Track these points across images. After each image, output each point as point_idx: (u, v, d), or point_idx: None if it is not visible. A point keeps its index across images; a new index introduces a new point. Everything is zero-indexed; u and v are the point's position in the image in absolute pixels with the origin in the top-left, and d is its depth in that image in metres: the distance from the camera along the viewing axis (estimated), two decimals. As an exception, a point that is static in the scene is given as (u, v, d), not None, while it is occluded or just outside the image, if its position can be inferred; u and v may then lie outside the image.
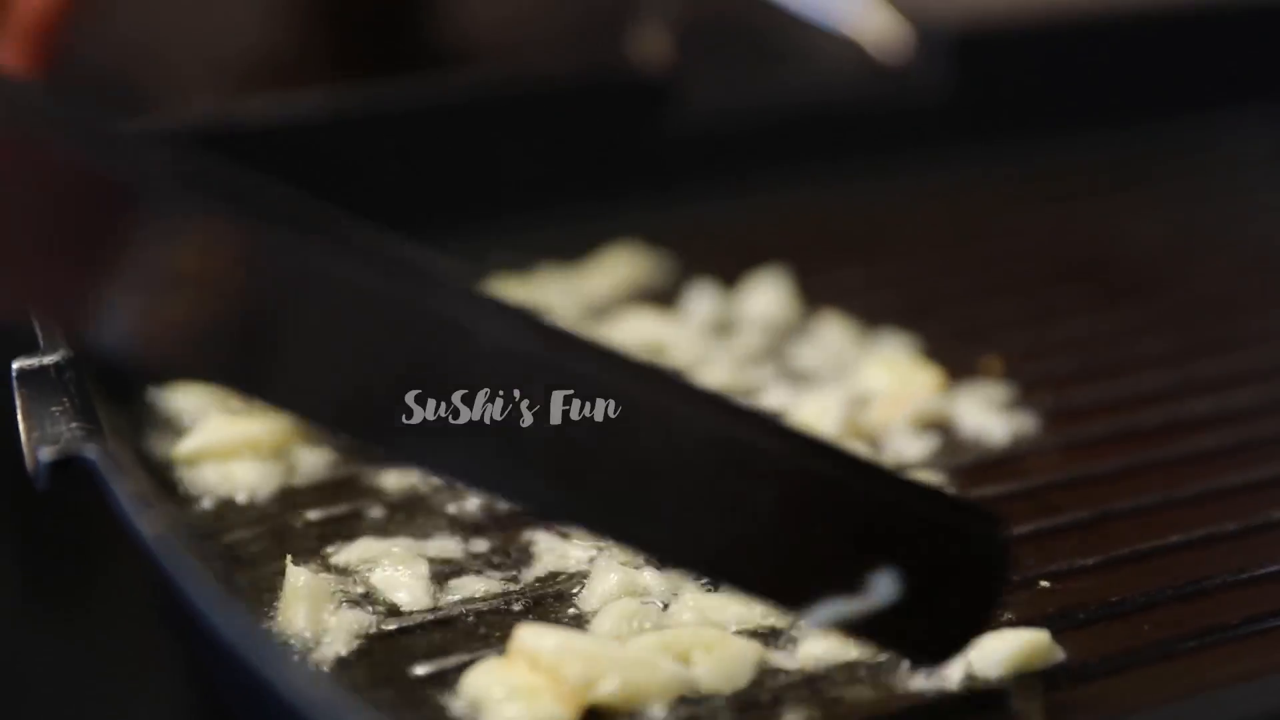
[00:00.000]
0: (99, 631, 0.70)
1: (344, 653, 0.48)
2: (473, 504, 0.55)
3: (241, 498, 0.56)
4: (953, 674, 0.47)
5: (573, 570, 0.52)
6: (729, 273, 0.70)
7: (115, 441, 0.48)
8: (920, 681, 0.47)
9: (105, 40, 1.25)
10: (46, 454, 0.46)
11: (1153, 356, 0.65)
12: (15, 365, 0.50)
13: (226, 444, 0.57)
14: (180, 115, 0.71)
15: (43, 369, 0.50)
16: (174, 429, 0.59)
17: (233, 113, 0.72)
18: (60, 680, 0.69)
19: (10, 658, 0.70)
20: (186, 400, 0.61)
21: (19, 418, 0.49)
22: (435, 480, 0.56)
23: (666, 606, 0.50)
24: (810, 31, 0.83)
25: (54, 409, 0.49)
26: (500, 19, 1.29)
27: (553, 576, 0.52)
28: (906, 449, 0.58)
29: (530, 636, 0.47)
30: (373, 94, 0.76)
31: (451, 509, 0.55)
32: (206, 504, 0.56)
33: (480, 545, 0.53)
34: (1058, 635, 0.48)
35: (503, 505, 0.55)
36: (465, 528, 0.54)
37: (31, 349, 0.52)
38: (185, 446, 0.57)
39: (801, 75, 0.84)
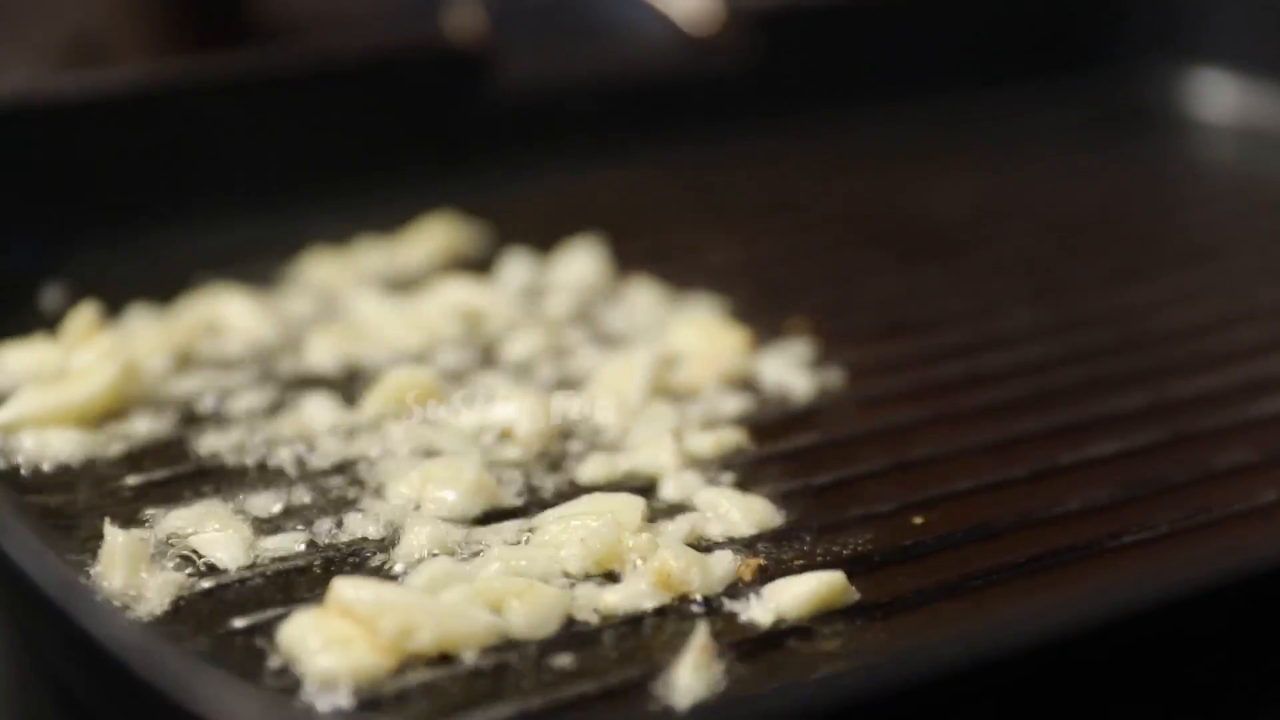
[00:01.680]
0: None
1: (162, 610, 0.49)
2: (288, 462, 0.56)
3: (59, 464, 0.56)
4: (760, 615, 0.49)
5: (386, 526, 0.53)
6: (543, 242, 0.71)
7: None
8: (730, 622, 0.49)
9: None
10: None
11: (952, 313, 0.67)
12: None
13: (42, 411, 0.58)
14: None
15: None
16: (-7, 398, 0.60)
17: (51, 87, 0.72)
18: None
19: None
20: (4, 368, 0.61)
21: None
22: (253, 441, 0.58)
23: (476, 556, 0.51)
24: (623, 3, 0.84)
25: None
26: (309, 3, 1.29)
27: (367, 533, 0.53)
28: (714, 407, 0.60)
29: (346, 589, 0.48)
30: (194, 68, 0.77)
31: (268, 469, 0.56)
32: (24, 470, 0.56)
33: (297, 503, 0.54)
34: (854, 578, 0.50)
35: (318, 462, 0.56)
36: (282, 487, 0.55)
37: None
38: (3, 416, 0.58)
39: (614, 48, 0.85)
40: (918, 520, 0.54)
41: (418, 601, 0.48)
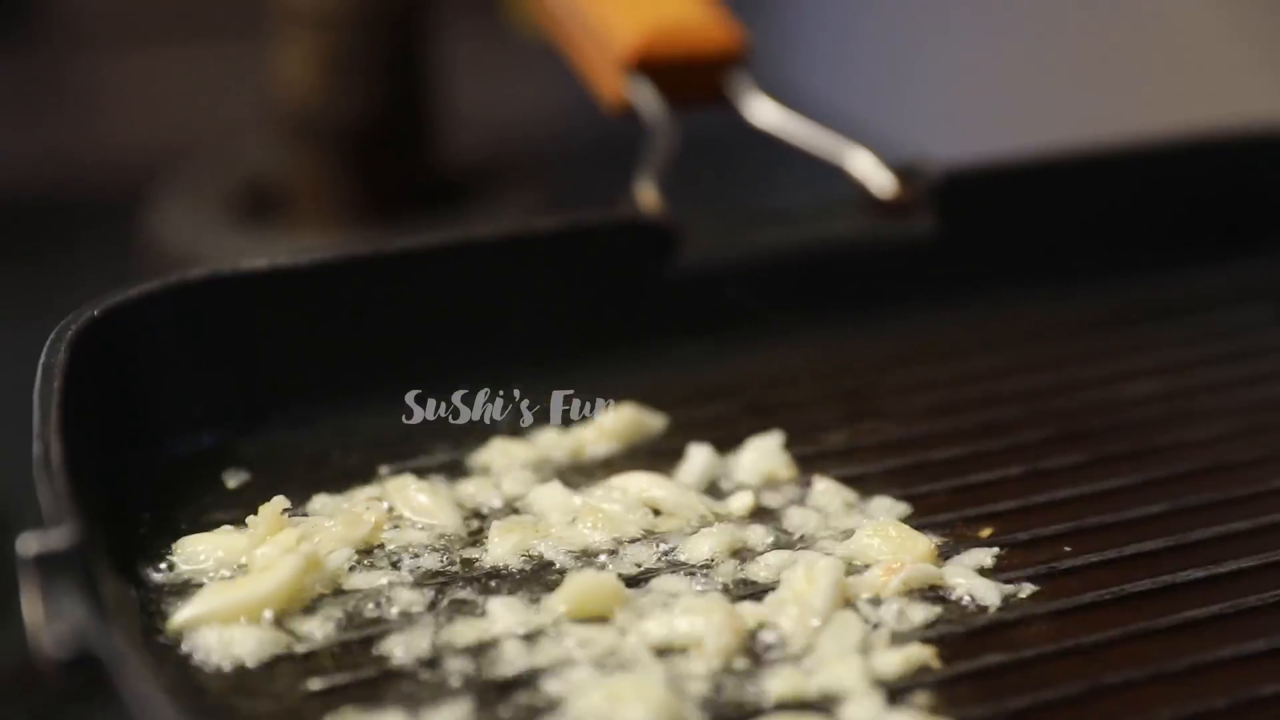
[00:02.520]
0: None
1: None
2: (470, 671, 0.56)
3: (239, 664, 0.56)
4: None
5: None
6: (723, 432, 0.71)
7: (121, 622, 0.49)
8: None
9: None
10: (58, 649, 0.47)
11: (1143, 522, 0.65)
12: (27, 550, 0.51)
13: (224, 607, 0.58)
14: (180, 274, 0.72)
15: (51, 552, 0.51)
16: (178, 592, 0.60)
17: (237, 266, 0.73)
18: None
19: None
20: (191, 562, 0.62)
21: (25, 602, 0.50)
22: (435, 643, 0.57)
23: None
24: (804, 172, 0.84)
25: (60, 592, 0.50)
26: (497, 155, 1.31)
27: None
28: (900, 619, 0.59)
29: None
30: (369, 245, 0.77)
31: (449, 676, 0.56)
32: (208, 672, 0.56)
33: (478, 713, 0.54)
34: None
35: (499, 672, 0.56)
36: (462, 699, 0.55)
37: (37, 524, 0.52)
38: (187, 613, 0.58)
39: (794, 220, 0.85)
40: (1115, 756, 0.52)
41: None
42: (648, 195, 0.79)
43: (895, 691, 0.55)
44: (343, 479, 0.68)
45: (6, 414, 0.68)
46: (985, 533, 0.64)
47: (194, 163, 1.32)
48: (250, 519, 0.64)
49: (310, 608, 0.60)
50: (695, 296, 0.79)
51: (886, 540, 0.63)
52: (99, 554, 0.53)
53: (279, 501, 0.64)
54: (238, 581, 0.59)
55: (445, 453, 0.70)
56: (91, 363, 0.65)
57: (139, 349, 0.69)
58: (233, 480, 0.68)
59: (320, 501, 0.67)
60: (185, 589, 0.60)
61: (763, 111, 0.84)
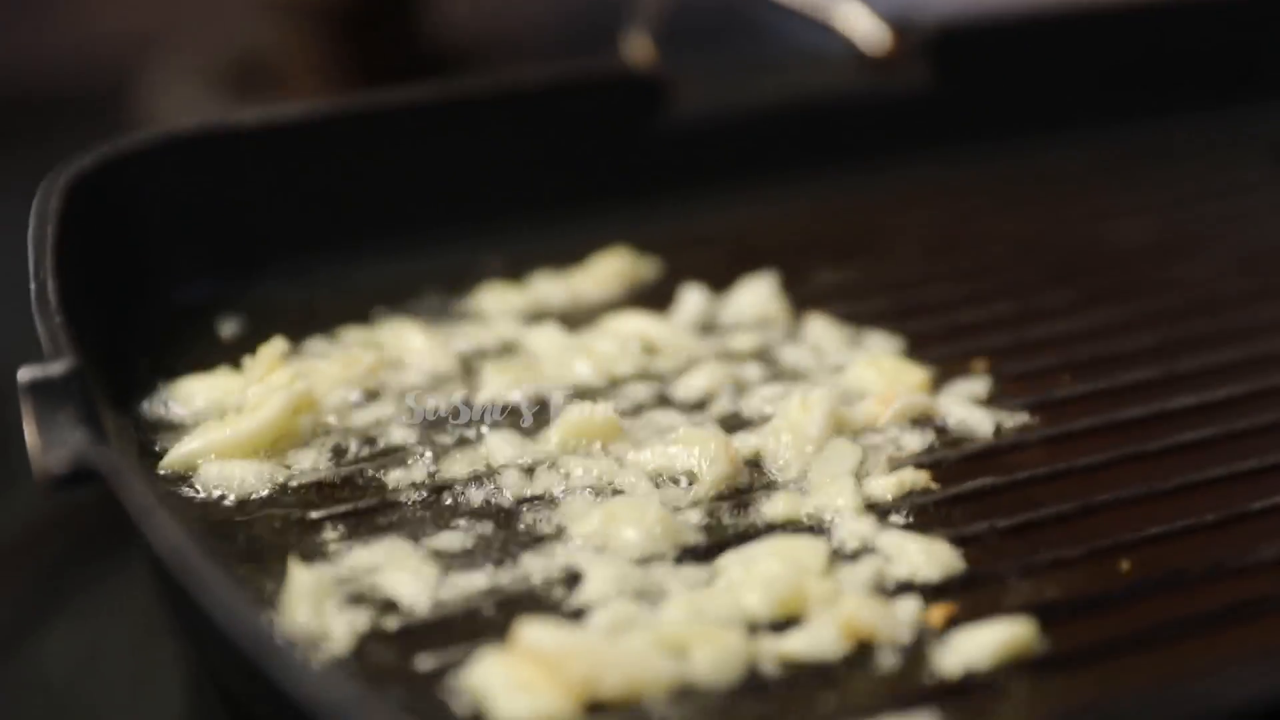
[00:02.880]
0: (109, 632, 0.72)
1: (349, 650, 0.49)
2: (476, 497, 0.56)
3: (242, 495, 0.57)
4: (947, 665, 0.48)
5: (568, 567, 0.53)
6: (717, 276, 0.71)
7: (121, 449, 0.49)
8: (915, 671, 0.48)
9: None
10: (56, 464, 0.48)
11: (1136, 352, 0.66)
12: (21, 374, 0.51)
13: (222, 442, 0.59)
14: (171, 127, 0.72)
15: (49, 380, 0.51)
16: (176, 431, 0.60)
17: (227, 119, 0.73)
18: (72, 678, 0.70)
19: (22, 656, 0.72)
20: (188, 403, 0.62)
21: (26, 428, 0.50)
22: (431, 475, 0.58)
23: (658, 597, 0.51)
24: (795, 26, 0.84)
25: (60, 418, 0.50)
26: (488, 30, 1.30)
27: (550, 573, 0.53)
28: (895, 445, 0.59)
29: (532, 633, 0.48)
30: (360, 100, 0.77)
31: (450, 505, 0.56)
32: (207, 504, 0.57)
33: (479, 541, 0.54)
34: (1042, 626, 0.50)
35: (499, 500, 0.57)
36: (464, 525, 0.55)
37: (37, 357, 0.53)
38: (185, 448, 0.58)
39: (786, 74, 0.85)
40: (1106, 567, 0.53)
41: (604, 647, 0.48)
42: (639, 48, 0.79)
43: (888, 512, 0.56)
44: (339, 325, 0.68)
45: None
46: (979, 366, 0.64)
47: (182, 44, 1.31)
48: (247, 360, 0.64)
49: (308, 444, 0.60)
50: (687, 148, 0.79)
51: (880, 372, 0.63)
52: (96, 385, 0.53)
53: (277, 343, 0.64)
54: (231, 418, 0.60)
55: (440, 299, 0.70)
56: (85, 211, 0.65)
57: (132, 199, 0.69)
58: (229, 328, 0.69)
59: (317, 346, 0.67)
60: (183, 428, 0.61)
61: (753, -36, 0.84)
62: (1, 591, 0.81)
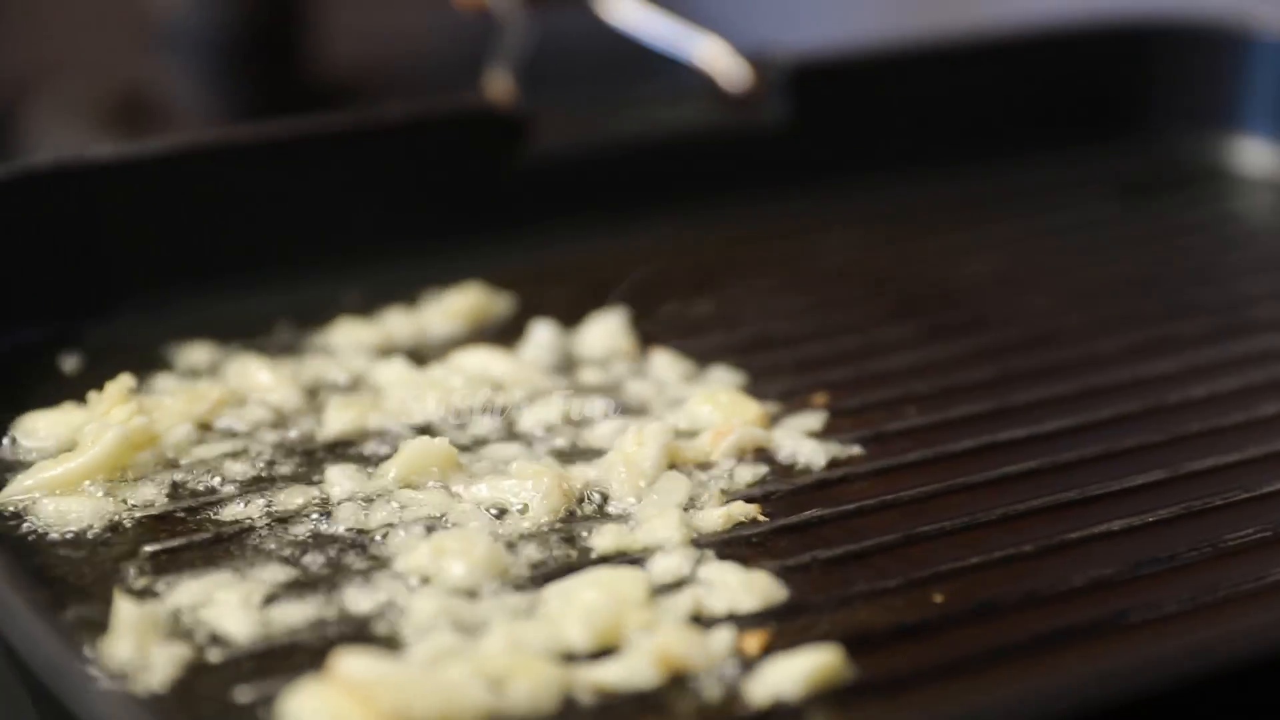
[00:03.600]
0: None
1: (167, 682, 0.50)
2: (303, 533, 0.57)
3: (75, 531, 0.57)
4: (756, 694, 0.49)
5: (394, 598, 0.54)
6: (568, 312, 0.72)
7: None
8: (726, 700, 0.49)
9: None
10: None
11: (972, 386, 0.67)
12: None
13: (58, 477, 0.59)
14: (27, 161, 0.72)
15: None
16: (18, 468, 0.61)
17: (82, 153, 0.73)
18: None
19: None
20: (31, 438, 0.62)
21: None
22: (267, 509, 0.58)
23: (481, 628, 0.52)
24: (656, 63, 0.85)
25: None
26: (368, 63, 1.31)
27: (377, 604, 0.53)
28: (727, 479, 0.60)
29: (346, 664, 0.49)
30: (217, 134, 0.78)
31: (283, 539, 0.57)
32: (40, 540, 0.57)
33: (308, 574, 0.55)
34: (854, 655, 0.51)
35: (331, 533, 0.57)
36: (295, 558, 0.56)
37: None
38: (19, 484, 0.59)
39: (645, 108, 0.85)
40: (922, 596, 0.54)
41: (418, 677, 0.49)
42: (499, 85, 0.80)
43: (715, 544, 0.57)
44: (189, 361, 0.69)
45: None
46: (817, 400, 0.65)
47: (65, 78, 1.31)
48: (92, 395, 0.64)
49: (148, 480, 0.60)
50: (545, 184, 0.80)
51: (718, 406, 0.64)
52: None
53: (124, 379, 0.64)
54: (67, 454, 0.60)
55: (290, 334, 0.71)
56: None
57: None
58: (78, 365, 0.69)
59: (163, 382, 0.67)
60: (25, 465, 0.61)
61: (615, 6, 0.85)
62: None
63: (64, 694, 0.42)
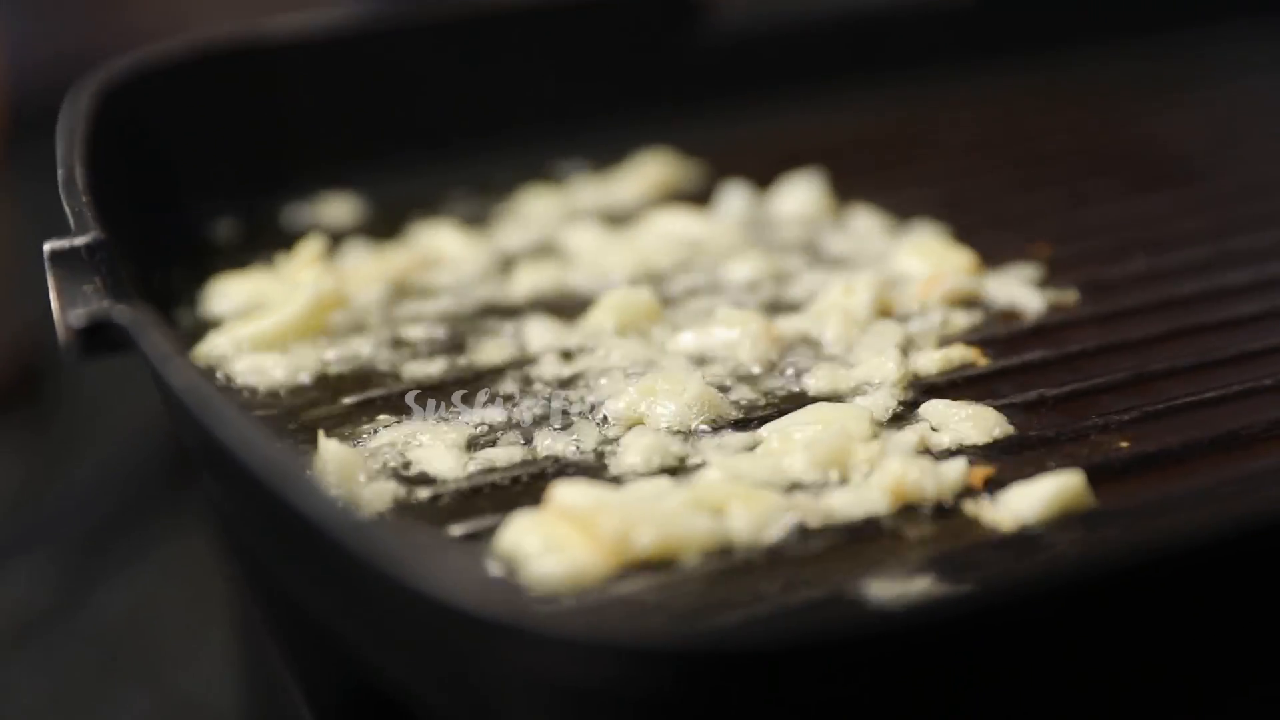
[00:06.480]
0: (164, 587, 0.72)
1: (379, 517, 0.48)
2: (512, 380, 0.55)
3: (273, 387, 0.56)
4: (996, 520, 0.47)
5: (606, 438, 0.52)
6: (762, 177, 0.70)
7: (146, 308, 0.48)
8: (963, 528, 0.47)
9: None
10: (76, 319, 0.47)
11: (1188, 234, 0.64)
12: (46, 247, 0.50)
13: (253, 335, 0.58)
14: (204, 37, 0.71)
15: (74, 250, 0.51)
16: (210, 328, 0.59)
17: (257, 30, 0.72)
18: (128, 631, 0.70)
19: (79, 611, 0.71)
20: (222, 302, 0.61)
21: (51, 295, 0.49)
22: (467, 363, 0.57)
23: (697, 467, 0.50)
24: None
25: (85, 287, 0.49)
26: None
27: (586, 444, 0.51)
28: (942, 324, 0.58)
29: (566, 491, 0.47)
30: (394, 13, 0.76)
31: (485, 387, 0.55)
32: (239, 392, 0.56)
33: (514, 418, 0.53)
34: (1096, 485, 0.48)
35: (535, 380, 0.55)
36: (499, 404, 0.54)
37: (63, 231, 0.52)
38: (214, 341, 0.57)
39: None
40: (1159, 428, 0.51)
41: (638, 503, 0.47)
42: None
43: (935, 385, 0.54)
44: (376, 230, 0.67)
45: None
46: (1028, 250, 0.63)
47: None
48: (282, 258, 0.63)
49: (340, 339, 0.59)
50: (730, 58, 0.78)
51: (927, 256, 0.62)
52: (123, 264, 0.52)
53: (314, 242, 0.63)
54: (261, 312, 0.59)
55: (478, 205, 0.69)
56: (115, 117, 0.64)
57: (164, 109, 0.68)
58: (264, 236, 0.68)
59: (355, 248, 0.66)
60: (217, 325, 0.60)
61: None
62: (59, 548, 0.81)
63: (295, 496, 0.40)
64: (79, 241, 0.51)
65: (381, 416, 0.54)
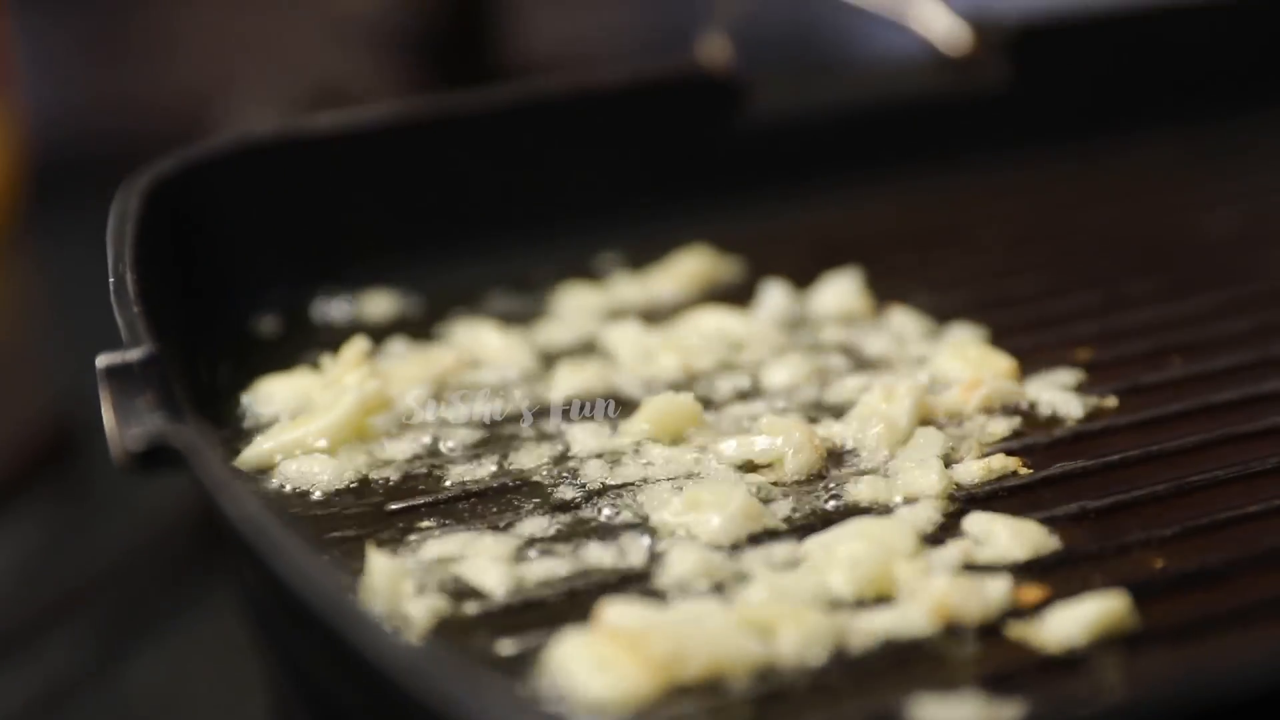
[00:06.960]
0: (194, 659, 0.72)
1: (424, 636, 0.49)
2: (547, 488, 0.56)
3: (318, 491, 0.56)
4: (1046, 641, 0.47)
5: (650, 552, 0.52)
6: (799, 273, 0.70)
7: (199, 428, 0.49)
8: (1007, 650, 0.47)
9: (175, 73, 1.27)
10: (133, 441, 0.47)
11: (1228, 337, 0.64)
12: (100, 362, 0.51)
13: (296, 442, 0.58)
14: (249, 131, 0.72)
15: (127, 365, 0.51)
16: (254, 425, 0.60)
17: (303, 123, 0.73)
18: (157, 704, 0.70)
19: (109, 683, 0.72)
20: (268, 404, 0.62)
21: (105, 411, 0.50)
22: (510, 468, 0.57)
23: (741, 581, 0.50)
24: (872, 27, 0.83)
25: (137, 400, 0.50)
26: (565, 36, 1.30)
27: (631, 559, 0.52)
28: (982, 432, 0.58)
29: (615, 612, 0.47)
30: (435, 103, 0.77)
31: (529, 495, 0.55)
32: (283, 497, 0.56)
33: (559, 529, 0.54)
34: (1137, 603, 0.48)
35: (579, 489, 0.56)
36: (544, 513, 0.54)
37: (116, 345, 0.52)
38: (259, 446, 0.58)
39: (864, 74, 0.84)
40: (1203, 544, 0.51)
41: (688, 624, 0.47)
42: (716, 50, 0.79)
43: (977, 497, 0.54)
44: (417, 327, 0.68)
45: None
46: (1067, 354, 0.63)
47: (259, 71, 1.32)
48: (326, 359, 0.63)
49: (384, 442, 0.59)
50: (766, 149, 0.79)
51: (966, 361, 0.62)
52: (175, 378, 0.53)
53: (359, 342, 0.64)
54: (304, 417, 0.59)
55: (518, 300, 0.70)
56: (164, 214, 0.65)
57: (211, 203, 0.69)
58: (306, 332, 0.68)
59: (397, 347, 0.66)
60: (262, 428, 0.60)
61: (831, -32, 0.84)
62: (89, 619, 0.81)
63: (350, 630, 0.40)
64: (132, 357, 0.51)
65: (425, 523, 0.54)
